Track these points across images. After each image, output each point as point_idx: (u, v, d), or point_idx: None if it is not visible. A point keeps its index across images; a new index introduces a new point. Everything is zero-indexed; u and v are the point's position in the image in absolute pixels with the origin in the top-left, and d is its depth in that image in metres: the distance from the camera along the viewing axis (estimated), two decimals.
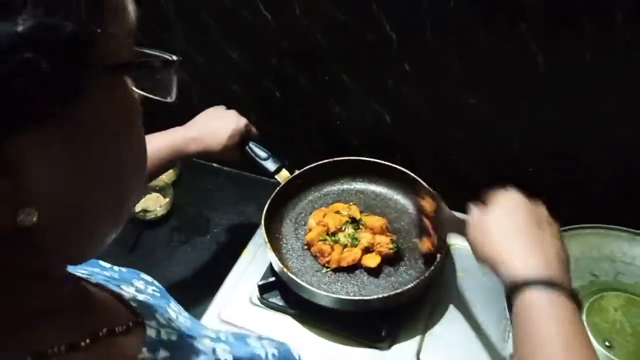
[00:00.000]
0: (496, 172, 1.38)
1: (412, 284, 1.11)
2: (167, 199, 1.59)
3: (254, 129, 1.31)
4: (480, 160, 1.40)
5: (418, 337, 1.12)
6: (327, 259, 1.20)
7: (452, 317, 1.22)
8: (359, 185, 1.41)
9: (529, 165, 1.35)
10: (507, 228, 0.83)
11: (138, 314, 0.50)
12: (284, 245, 1.27)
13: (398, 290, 1.06)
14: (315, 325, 1.15)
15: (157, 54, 0.42)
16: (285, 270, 1.16)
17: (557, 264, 0.78)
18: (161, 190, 1.61)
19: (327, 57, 1.29)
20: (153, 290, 0.66)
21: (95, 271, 0.60)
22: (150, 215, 1.55)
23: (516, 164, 1.36)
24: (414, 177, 1.28)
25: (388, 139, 1.41)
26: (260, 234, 1.21)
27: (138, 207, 1.58)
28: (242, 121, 1.24)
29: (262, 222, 1.26)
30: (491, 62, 1.12)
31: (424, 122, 1.31)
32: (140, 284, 0.64)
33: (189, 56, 1.49)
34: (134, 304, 0.53)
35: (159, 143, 1.13)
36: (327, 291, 1.18)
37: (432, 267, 1.15)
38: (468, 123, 1.34)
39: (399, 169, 1.38)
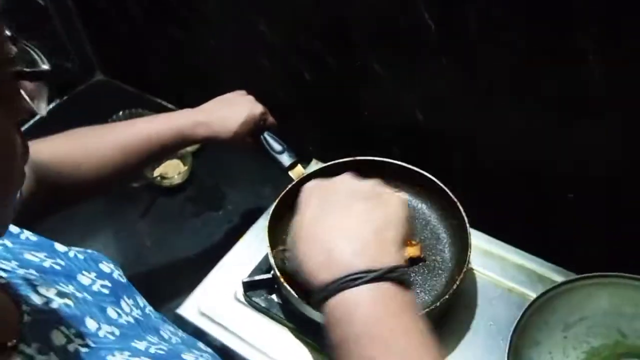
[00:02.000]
0: (533, 193, 1.22)
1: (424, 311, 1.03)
2: (186, 167, 1.54)
3: (270, 118, 1.21)
4: (519, 178, 1.24)
5: None
6: None
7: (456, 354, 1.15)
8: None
9: (569, 191, 1.17)
10: (309, 222, 0.67)
11: (17, 334, 0.47)
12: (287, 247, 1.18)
13: None
14: (305, 338, 1.09)
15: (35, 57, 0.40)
16: (282, 280, 1.08)
17: (374, 243, 0.60)
18: (182, 157, 1.56)
19: (358, 41, 1.15)
20: (100, 286, 0.64)
21: (31, 261, 0.58)
22: (166, 182, 1.52)
23: (558, 187, 1.19)
24: (442, 188, 1.23)
25: (419, 138, 1.27)
26: (263, 226, 1.16)
27: (156, 172, 1.55)
28: (257, 109, 1.14)
29: (268, 222, 1.18)
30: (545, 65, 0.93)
31: (461, 123, 1.20)
32: (84, 279, 0.63)
33: (221, 25, 1.40)
34: (27, 318, 0.49)
35: (162, 125, 1.05)
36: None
37: (450, 291, 1.06)
38: (511, 134, 1.17)
39: (426, 176, 1.25)
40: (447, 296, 1.05)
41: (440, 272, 1.20)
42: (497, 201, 1.30)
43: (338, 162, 1.31)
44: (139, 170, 1.14)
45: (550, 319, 1.09)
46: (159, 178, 1.53)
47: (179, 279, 1.28)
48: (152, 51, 1.68)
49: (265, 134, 1.20)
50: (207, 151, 1.61)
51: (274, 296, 1.18)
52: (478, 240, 1.26)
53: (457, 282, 1.08)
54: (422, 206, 1.31)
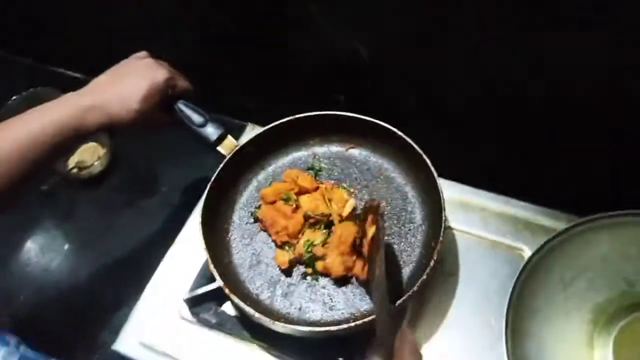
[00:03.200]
0: (506, 126, 1.03)
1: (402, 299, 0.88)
2: (105, 150, 1.31)
3: (182, 83, 0.97)
4: (487, 111, 1.04)
5: None
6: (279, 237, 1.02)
7: (442, 333, 0.99)
8: (336, 148, 1.13)
9: (546, 116, 1.01)
10: None
11: None
12: (233, 240, 1.04)
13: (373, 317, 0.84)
14: (271, 352, 0.97)
15: None
16: (228, 291, 0.91)
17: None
18: (97, 138, 1.31)
19: None
20: None
21: None
22: (85, 173, 1.29)
23: (533, 113, 1.00)
24: (402, 138, 1.05)
25: (365, 82, 1.06)
26: (196, 225, 0.98)
27: (71, 163, 1.31)
28: (160, 75, 0.92)
29: (200, 215, 0.97)
30: None
31: (413, 56, 1.04)
32: None
33: None
34: None
35: (36, 123, 0.82)
36: (279, 317, 0.95)
37: (423, 277, 0.89)
38: (475, 60, 0.97)
39: (381, 126, 1.05)
40: (424, 276, 0.88)
41: (413, 239, 1.02)
42: (465, 144, 1.11)
43: (278, 124, 1.10)
44: (28, 184, 0.89)
45: (546, 278, 0.93)
46: (75, 170, 1.30)
47: (113, 300, 1.11)
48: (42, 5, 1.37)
49: (180, 104, 0.99)
50: None
51: (226, 307, 1.00)
52: (451, 191, 1.08)
53: (437, 250, 0.90)
54: (381, 162, 1.11)
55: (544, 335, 0.92)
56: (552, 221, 1.08)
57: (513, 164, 1.12)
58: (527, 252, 1.05)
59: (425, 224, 1.03)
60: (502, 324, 0.92)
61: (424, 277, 0.88)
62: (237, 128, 1.24)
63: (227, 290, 0.90)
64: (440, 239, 0.92)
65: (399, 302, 0.87)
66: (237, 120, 1.28)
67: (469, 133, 1.12)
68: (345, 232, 0.95)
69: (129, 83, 0.92)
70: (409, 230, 1.03)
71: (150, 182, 1.33)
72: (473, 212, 1.10)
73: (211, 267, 0.92)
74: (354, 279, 0.98)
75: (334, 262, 0.93)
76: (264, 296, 0.98)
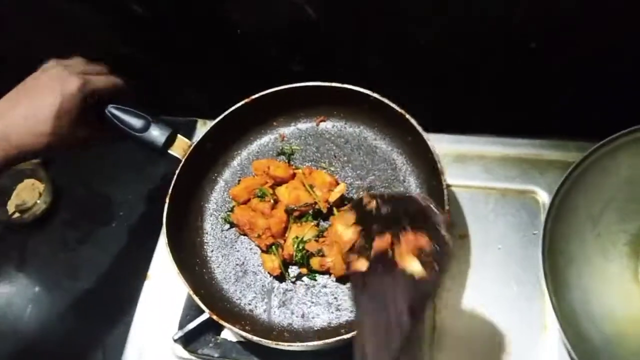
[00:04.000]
0: (486, 56, 0.90)
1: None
2: (45, 184, 1.14)
3: (104, 81, 0.81)
4: (462, 45, 0.91)
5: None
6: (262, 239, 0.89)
7: (464, 304, 0.88)
8: (304, 124, 1.01)
9: (529, 40, 0.87)
10: None
11: None
12: (210, 254, 0.92)
13: None
14: None
15: None
16: (218, 318, 0.78)
17: None
18: (33, 173, 1.15)
19: None
20: None
21: None
22: (29, 215, 1.12)
23: (515, 38, 0.87)
24: (376, 100, 0.91)
25: (317, 44, 0.99)
26: (164, 249, 0.84)
27: (10, 207, 1.14)
28: (70, 84, 0.77)
29: (166, 237, 0.82)
30: None
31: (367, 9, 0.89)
32: None
33: None
34: None
35: None
36: (281, 331, 0.83)
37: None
38: None
39: (348, 90, 0.91)
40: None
41: None
42: (446, 91, 0.97)
43: (234, 111, 0.94)
44: None
45: (574, 220, 0.82)
46: (17, 214, 1.14)
47: (97, 345, 1.00)
48: None
49: (112, 110, 0.82)
50: None
51: (226, 334, 0.87)
52: (442, 146, 0.94)
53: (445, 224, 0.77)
54: (358, 131, 0.97)
55: (586, 282, 0.82)
56: (559, 153, 0.97)
57: (501, 102, 1.00)
58: (541, 194, 0.94)
59: (424, 191, 0.90)
60: (526, 284, 0.84)
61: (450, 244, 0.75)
62: (186, 127, 1.10)
63: (215, 318, 0.76)
64: (447, 207, 0.79)
65: None
66: (182, 117, 1.12)
67: (447, 80, 0.99)
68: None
69: (34, 103, 0.77)
70: (405, 190, 0.90)
71: (104, 209, 1.19)
72: (472, 163, 0.98)
73: (193, 296, 0.77)
74: None
75: (336, 261, 0.80)
76: (259, 310, 0.84)
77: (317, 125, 0.99)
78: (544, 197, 0.93)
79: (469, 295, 0.88)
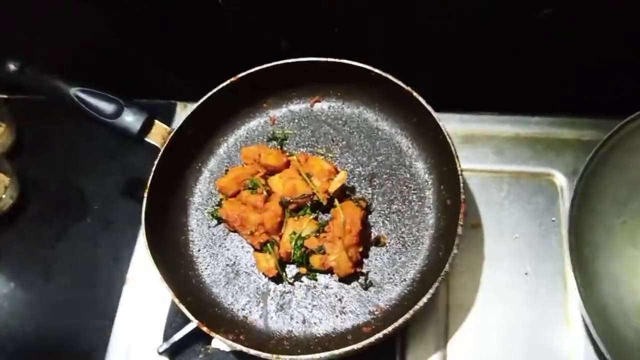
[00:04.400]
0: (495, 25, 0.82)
1: (417, 306, 0.67)
2: (11, 178, 1.03)
3: None
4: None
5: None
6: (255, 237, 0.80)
7: (478, 300, 0.81)
8: (297, 105, 0.91)
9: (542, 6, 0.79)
10: None
11: None
12: (197, 254, 0.83)
13: (396, 325, 0.67)
14: None
15: None
16: (207, 329, 0.69)
17: None
18: None
19: None
20: None
21: None
22: None
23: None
24: (378, 76, 0.82)
25: (316, 18, 0.82)
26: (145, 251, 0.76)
27: None
28: None
29: (145, 236, 0.73)
30: None
31: None
32: None
33: None
34: None
35: None
36: (280, 340, 0.74)
37: (453, 251, 0.70)
38: None
39: (347, 66, 0.82)
40: (455, 250, 0.67)
41: (422, 200, 0.80)
42: (450, 64, 0.88)
43: (218, 91, 0.85)
44: None
45: (598, 206, 0.75)
46: None
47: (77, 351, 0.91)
48: None
49: (78, 93, 0.72)
50: (28, 140, 1.13)
51: (217, 343, 0.77)
52: (449, 126, 0.85)
53: (461, 212, 0.69)
54: (358, 111, 0.88)
55: (614, 270, 0.76)
56: (574, 132, 0.90)
57: (510, 77, 0.91)
58: (558, 176, 0.88)
59: (433, 177, 0.82)
60: (545, 275, 0.80)
61: (455, 250, 0.68)
62: (164, 111, 0.99)
63: (205, 329, 0.67)
64: (462, 195, 0.71)
65: (432, 288, 0.66)
66: (160, 100, 1.01)
67: (452, 54, 0.90)
68: (350, 216, 0.74)
69: None
70: (414, 189, 0.82)
71: (77, 202, 1.08)
72: (482, 144, 0.90)
73: (179, 304, 0.68)
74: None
75: (340, 259, 0.72)
76: (255, 316, 0.76)
77: (312, 106, 0.90)
78: (561, 180, 0.86)
79: (484, 289, 0.81)
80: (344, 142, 0.87)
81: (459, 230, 0.69)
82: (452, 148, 0.74)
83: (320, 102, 0.90)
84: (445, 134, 0.75)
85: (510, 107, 0.92)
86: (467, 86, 0.91)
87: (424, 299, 0.66)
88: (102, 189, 1.05)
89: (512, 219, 0.85)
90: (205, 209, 0.85)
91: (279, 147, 0.87)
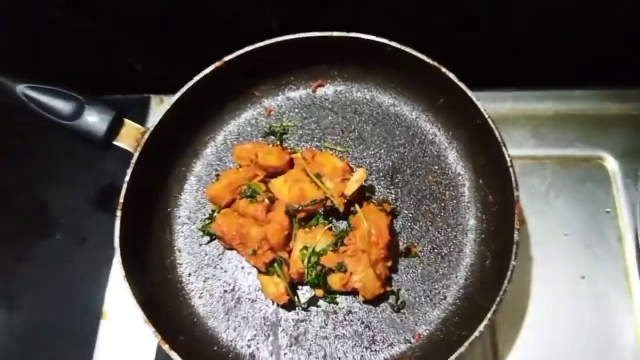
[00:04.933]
0: None
1: (472, 337, 0.55)
2: None
3: None
4: None
5: None
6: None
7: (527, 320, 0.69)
8: (296, 92, 0.78)
9: None
10: None
11: None
12: (186, 280, 0.70)
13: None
14: None
15: None
16: None
17: None
18: None
19: None
20: None
21: None
22: None
23: None
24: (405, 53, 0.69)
25: None
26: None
27: None
28: None
29: (121, 264, 0.59)
30: None
31: None
32: None
33: None
34: None
35: None
36: None
37: (511, 261, 0.58)
38: None
39: (371, 42, 0.69)
40: (513, 260, 0.54)
41: (456, 198, 0.67)
42: (477, 34, 0.75)
43: (201, 80, 0.72)
44: None
45: None
46: None
47: None
48: None
49: (24, 90, 0.60)
50: None
51: None
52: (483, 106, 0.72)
53: (515, 212, 0.56)
54: (371, 95, 0.76)
55: None
56: (626, 106, 0.79)
57: (547, 47, 0.78)
58: (609, 159, 0.77)
59: (469, 169, 0.69)
60: (604, 279, 0.69)
61: (513, 261, 0.54)
62: (136, 107, 0.85)
63: None
64: (516, 192, 0.57)
65: (489, 313, 0.53)
66: (131, 95, 0.86)
67: (478, 22, 0.76)
68: (376, 224, 0.61)
69: None
70: (447, 185, 0.69)
71: (42, 219, 0.94)
72: (517, 126, 0.78)
73: (169, 352, 0.54)
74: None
75: (367, 278, 0.58)
76: (264, 353, 0.63)
77: (314, 91, 0.76)
78: (612, 164, 0.75)
79: (535, 299, 0.69)
80: (355, 133, 0.73)
81: (515, 235, 0.56)
82: (496, 132, 0.61)
83: (323, 86, 0.76)
84: (486, 115, 0.62)
85: (549, 80, 0.80)
86: (498, 58, 0.77)
87: (480, 327, 0.53)
88: (71, 201, 0.92)
89: (560, 213, 0.73)
90: (194, 223, 0.72)
91: (278, 143, 0.73)
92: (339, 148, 0.73)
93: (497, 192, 0.63)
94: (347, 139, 0.74)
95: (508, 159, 0.60)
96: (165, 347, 0.57)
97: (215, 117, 0.77)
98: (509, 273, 0.55)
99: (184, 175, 0.75)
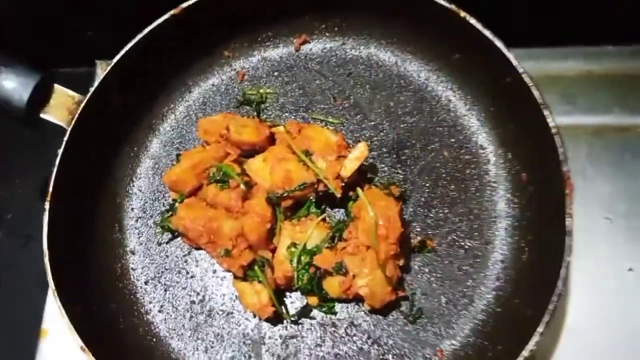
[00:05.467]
0: None
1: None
2: None
3: None
4: None
5: None
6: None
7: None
8: (276, 51, 0.64)
9: None
10: None
11: None
12: (142, 291, 0.57)
13: None
14: None
15: None
16: None
17: None
18: None
19: None
20: None
21: None
22: None
23: None
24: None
25: None
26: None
27: None
28: None
29: (49, 270, 0.45)
30: None
31: None
32: None
33: None
34: None
35: None
36: None
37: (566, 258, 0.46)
38: None
39: None
40: (567, 257, 0.42)
41: (477, 181, 0.54)
42: None
43: (153, 33, 0.57)
44: None
45: None
46: None
47: None
48: None
49: None
50: None
51: None
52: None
53: (569, 196, 0.45)
54: (366, 53, 0.62)
55: None
56: None
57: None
58: None
59: (493, 141, 0.55)
60: None
61: (567, 257, 0.42)
62: (77, 75, 0.68)
63: None
64: (563, 166, 0.45)
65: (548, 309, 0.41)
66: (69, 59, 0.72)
67: None
68: (384, 213, 0.48)
69: None
70: (468, 161, 0.56)
71: None
72: (547, 89, 0.63)
73: None
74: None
75: (375, 282, 0.45)
76: None
77: (297, 50, 0.63)
78: None
79: (578, 295, 0.57)
80: (351, 100, 0.60)
81: (568, 222, 0.43)
82: (535, 90, 0.48)
83: (309, 42, 0.62)
84: (519, 70, 0.49)
85: (581, 36, 0.66)
86: (519, 9, 0.64)
87: (530, 345, 0.40)
88: (16, 194, 0.80)
89: (599, 193, 0.61)
90: (151, 217, 0.58)
91: (255, 115, 0.59)
92: (331, 119, 0.60)
93: (534, 168, 0.51)
94: (341, 107, 0.60)
95: (552, 124, 0.47)
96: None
97: (175, 82, 0.62)
98: (562, 271, 0.43)
99: (136, 156, 0.62)
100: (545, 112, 0.48)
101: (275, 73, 0.63)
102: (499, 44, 0.52)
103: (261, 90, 0.62)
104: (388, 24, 0.60)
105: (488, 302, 0.51)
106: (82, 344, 0.45)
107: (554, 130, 0.48)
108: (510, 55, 0.52)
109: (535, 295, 0.46)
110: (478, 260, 0.53)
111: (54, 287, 0.46)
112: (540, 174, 0.50)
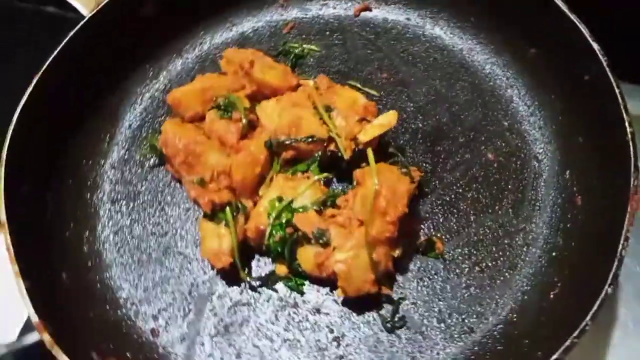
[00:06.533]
0: None
1: None
2: None
3: None
4: None
5: None
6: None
7: None
8: (334, 10, 0.58)
9: None
10: None
11: None
12: (104, 201, 0.51)
13: None
14: None
15: None
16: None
17: None
18: None
19: None
20: None
21: None
22: None
23: None
24: None
25: None
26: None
27: None
28: None
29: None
30: None
31: None
32: None
33: None
34: None
35: None
36: None
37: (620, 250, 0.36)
38: None
39: None
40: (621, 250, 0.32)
41: (520, 192, 0.44)
42: None
43: None
44: None
45: None
46: None
47: None
48: None
49: None
50: None
51: None
52: None
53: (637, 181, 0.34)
54: (431, 34, 0.54)
55: None
56: None
57: None
58: None
59: (553, 152, 0.46)
60: None
61: (608, 289, 0.32)
62: None
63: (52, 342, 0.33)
64: (634, 179, 0.35)
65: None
66: None
67: None
68: (390, 187, 0.39)
69: None
70: (515, 166, 0.46)
71: None
72: None
73: (34, 318, 0.35)
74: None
75: (354, 262, 0.40)
76: (173, 335, 0.41)
77: (356, 15, 0.55)
78: None
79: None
80: (398, 76, 0.52)
81: (620, 248, 0.33)
82: (617, 89, 0.38)
83: (369, 10, 0.55)
84: (595, 47, 0.40)
85: None
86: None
87: None
88: None
89: None
90: (142, 132, 0.51)
91: (289, 65, 0.53)
92: (368, 89, 0.52)
93: (594, 193, 0.40)
94: (384, 80, 0.52)
95: (628, 127, 0.37)
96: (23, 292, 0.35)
97: (219, 17, 0.56)
98: (584, 322, 0.32)
99: (155, 76, 0.54)
100: (624, 111, 0.38)
101: (326, 33, 0.55)
102: (586, 33, 0.43)
103: (304, 46, 0.54)
104: (462, 6, 0.53)
105: (491, 337, 0.40)
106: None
107: (631, 153, 0.38)
108: (581, 26, 0.42)
109: (551, 339, 0.35)
110: (494, 284, 0.41)
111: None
112: (600, 202, 0.39)
